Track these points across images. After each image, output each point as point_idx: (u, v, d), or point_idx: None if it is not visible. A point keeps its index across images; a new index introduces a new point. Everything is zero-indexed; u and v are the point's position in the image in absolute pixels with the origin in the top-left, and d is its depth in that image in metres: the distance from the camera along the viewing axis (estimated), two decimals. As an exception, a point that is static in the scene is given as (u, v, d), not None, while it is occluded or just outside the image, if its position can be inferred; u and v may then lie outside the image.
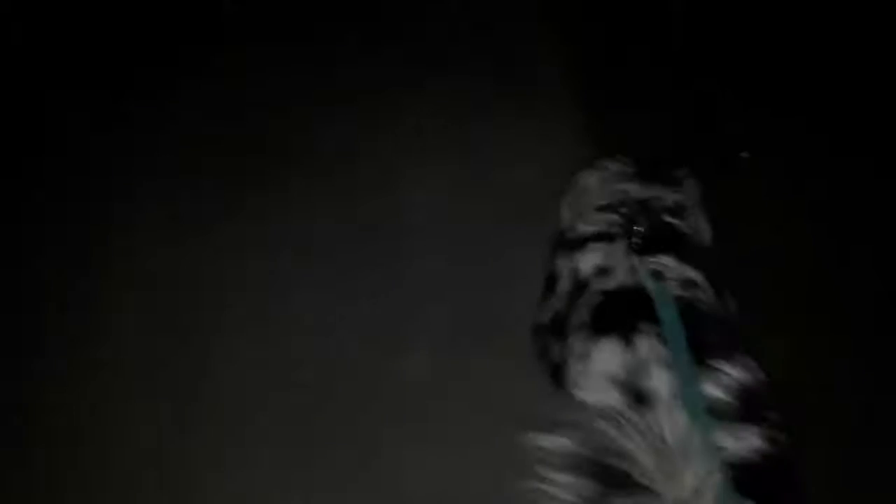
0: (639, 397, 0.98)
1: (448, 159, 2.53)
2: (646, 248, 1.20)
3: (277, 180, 2.53)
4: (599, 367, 1.06)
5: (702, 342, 1.01)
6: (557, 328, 1.25)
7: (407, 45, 3.00)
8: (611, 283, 1.18)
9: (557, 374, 1.21)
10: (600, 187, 1.40)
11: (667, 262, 1.17)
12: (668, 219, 1.28)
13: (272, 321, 2.10)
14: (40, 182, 2.60)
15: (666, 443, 0.85)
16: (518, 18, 3.12)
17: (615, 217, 1.29)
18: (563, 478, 0.86)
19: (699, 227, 1.36)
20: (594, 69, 2.81)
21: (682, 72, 2.70)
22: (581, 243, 1.28)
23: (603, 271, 1.21)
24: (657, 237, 1.22)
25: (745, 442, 0.92)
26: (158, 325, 2.11)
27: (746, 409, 0.96)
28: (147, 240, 2.37)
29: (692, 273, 1.17)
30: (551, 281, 1.34)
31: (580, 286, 1.23)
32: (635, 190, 1.35)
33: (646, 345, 1.02)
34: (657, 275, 1.14)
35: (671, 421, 0.88)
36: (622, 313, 1.10)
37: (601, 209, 1.33)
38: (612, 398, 1.01)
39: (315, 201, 2.45)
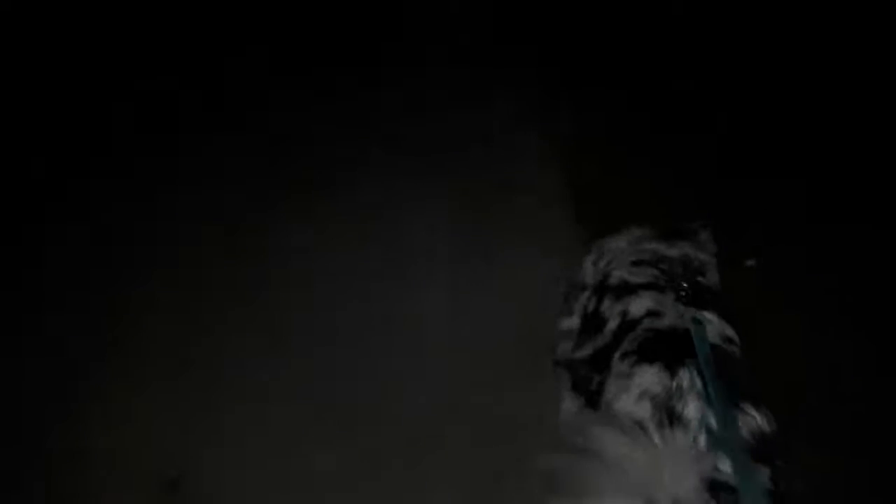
0: (669, 417, 1.08)
1: (452, 271, 2.45)
2: (692, 301, 1.31)
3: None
4: (639, 384, 1.15)
5: (734, 387, 1.11)
6: (600, 362, 1.32)
7: (407, 154, 2.93)
8: (662, 323, 1.27)
9: (593, 400, 1.30)
10: (629, 246, 1.52)
11: (710, 317, 1.28)
12: (701, 279, 1.41)
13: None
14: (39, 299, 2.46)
15: (678, 458, 0.98)
16: (516, 126, 3.08)
17: (656, 271, 1.40)
18: None
19: (714, 279, 1.50)
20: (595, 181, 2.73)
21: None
22: (631, 290, 1.38)
23: (654, 314, 1.30)
24: (698, 294, 1.34)
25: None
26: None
27: (762, 450, 1.06)
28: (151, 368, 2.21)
29: (730, 331, 1.28)
30: (597, 322, 1.42)
31: (630, 325, 1.31)
32: (663, 248, 1.48)
33: (687, 376, 1.12)
34: (702, 324, 1.23)
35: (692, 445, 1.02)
36: (669, 347, 1.19)
37: (637, 263, 1.44)
38: (643, 411, 1.10)
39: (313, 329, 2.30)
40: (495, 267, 2.43)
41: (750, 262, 2.18)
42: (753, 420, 1.08)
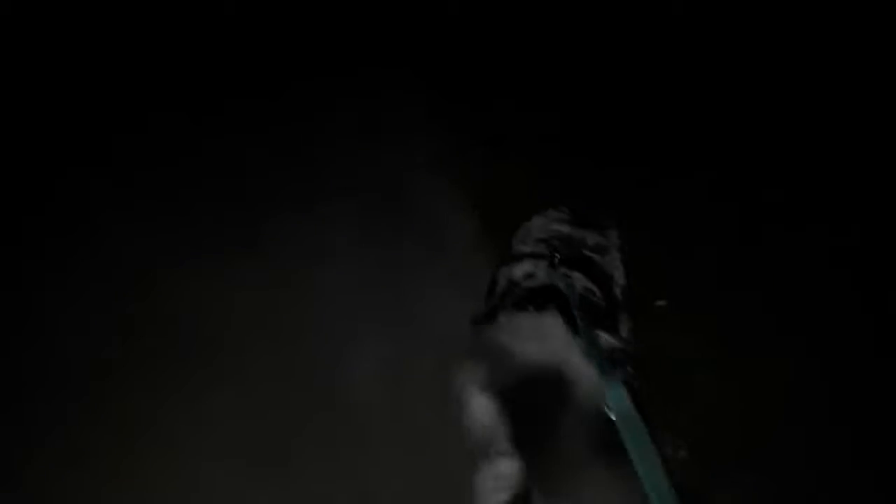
0: (539, 339, 1.46)
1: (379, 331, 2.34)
2: (562, 264, 1.68)
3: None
4: (516, 324, 1.52)
5: (592, 320, 1.49)
6: (492, 316, 1.64)
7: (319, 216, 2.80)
8: (534, 283, 1.65)
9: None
10: (541, 226, 1.87)
11: (576, 276, 1.66)
12: (587, 252, 1.78)
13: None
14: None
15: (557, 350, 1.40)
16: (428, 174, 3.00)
17: (543, 245, 1.78)
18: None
19: (615, 265, 1.82)
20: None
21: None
22: (518, 259, 1.75)
23: (530, 276, 1.67)
24: (573, 261, 1.70)
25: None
26: None
27: (613, 360, 1.42)
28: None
29: (592, 285, 1.66)
30: (493, 285, 1.77)
31: (512, 286, 1.68)
32: (567, 229, 1.84)
33: (550, 315, 1.50)
34: (566, 279, 1.62)
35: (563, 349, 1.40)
36: (538, 298, 1.57)
37: (538, 241, 1.81)
38: (520, 339, 1.46)
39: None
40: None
41: (660, 303, 2.29)
42: (605, 340, 1.47)
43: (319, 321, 2.37)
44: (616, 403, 1.25)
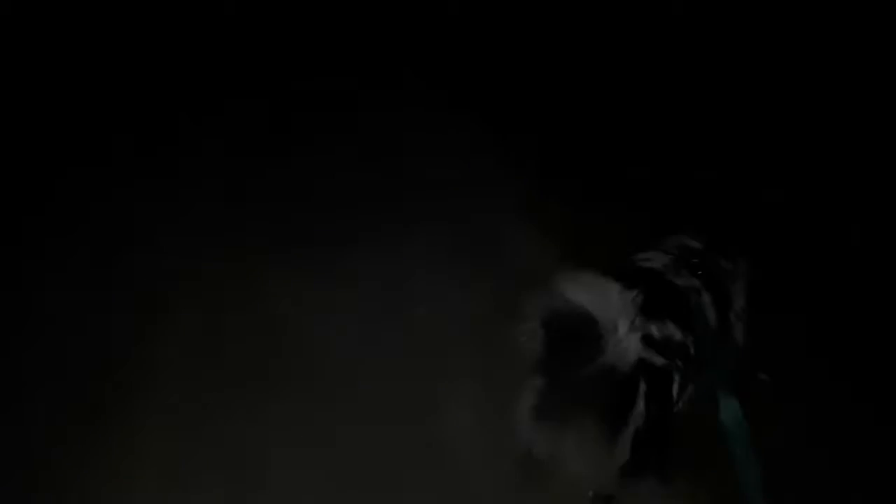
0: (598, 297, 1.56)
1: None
2: (690, 271, 1.80)
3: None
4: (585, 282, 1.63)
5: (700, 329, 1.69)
6: None
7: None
8: (643, 264, 1.84)
9: None
10: (677, 240, 1.97)
11: (696, 283, 1.78)
12: (716, 272, 1.85)
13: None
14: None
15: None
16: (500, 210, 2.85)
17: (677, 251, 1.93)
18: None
19: (739, 293, 1.89)
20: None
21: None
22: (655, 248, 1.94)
23: (645, 259, 1.85)
24: (701, 275, 1.82)
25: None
26: None
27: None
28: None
29: (711, 303, 1.76)
30: None
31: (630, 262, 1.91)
32: (700, 247, 1.94)
33: (633, 293, 1.63)
34: (689, 280, 1.78)
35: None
36: (636, 275, 1.74)
37: (677, 246, 1.94)
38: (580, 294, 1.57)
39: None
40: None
41: (763, 376, 2.28)
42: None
43: (300, 313, 2.38)
44: (730, 413, 1.46)
